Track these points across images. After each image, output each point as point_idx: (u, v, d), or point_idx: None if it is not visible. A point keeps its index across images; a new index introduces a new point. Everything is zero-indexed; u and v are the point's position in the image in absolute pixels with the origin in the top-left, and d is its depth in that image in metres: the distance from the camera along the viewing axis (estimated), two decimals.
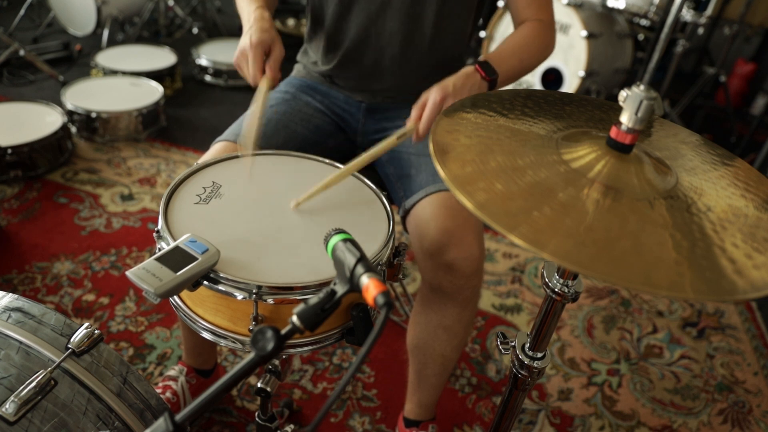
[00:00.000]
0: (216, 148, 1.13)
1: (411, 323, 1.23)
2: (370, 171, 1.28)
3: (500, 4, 3.06)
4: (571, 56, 2.94)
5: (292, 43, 1.09)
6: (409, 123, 1.00)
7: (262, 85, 1.03)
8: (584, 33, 2.84)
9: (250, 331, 0.81)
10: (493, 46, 2.94)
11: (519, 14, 1.21)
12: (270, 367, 0.88)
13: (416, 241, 1.09)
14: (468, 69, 1.05)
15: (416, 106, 1.01)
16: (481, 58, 1.09)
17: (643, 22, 3.04)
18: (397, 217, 1.07)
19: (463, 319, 1.14)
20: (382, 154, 0.99)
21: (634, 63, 3.25)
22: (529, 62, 1.16)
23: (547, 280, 0.79)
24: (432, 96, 0.99)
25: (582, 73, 2.88)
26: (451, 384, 1.55)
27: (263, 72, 1.03)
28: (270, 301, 0.77)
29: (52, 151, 2.19)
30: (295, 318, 0.60)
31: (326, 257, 0.67)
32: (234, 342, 0.83)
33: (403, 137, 0.99)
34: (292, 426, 1.09)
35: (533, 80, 3.12)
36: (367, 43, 1.20)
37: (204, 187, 0.94)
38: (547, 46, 1.20)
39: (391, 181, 1.21)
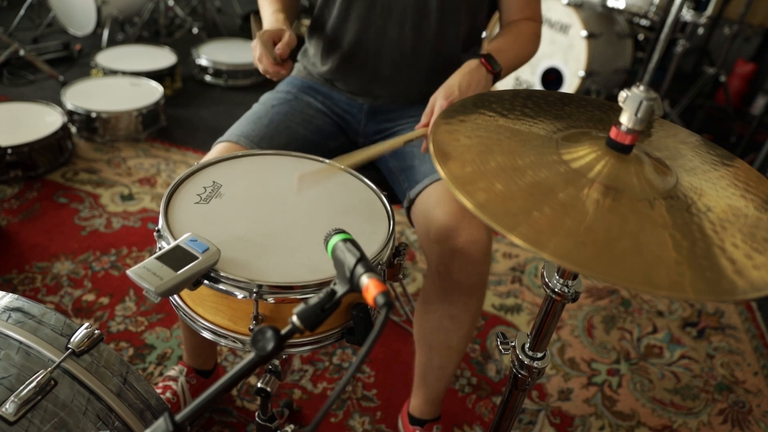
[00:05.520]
0: (217, 149, 1.13)
1: (417, 315, 1.22)
2: (371, 169, 1.28)
3: None
4: (571, 56, 2.94)
5: None
6: (418, 129, 1.02)
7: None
8: (584, 33, 2.84)
9: (250, 330, 0.81)
10: None
11: (512, 16, 1.23)
12: (270, 367, 0.89)
13: (423, 228, 1.08)
14: (473, 63, 1.06)
15: (425, 112, 1.02)
16: (484, 51, 1.10)
17: (643, 22, 3.04)
18: (398, 217, 1.07)
19: (470, 308, 1.12)
20: (385, 153, 0.99)
21: (634, 63, 3.25)
22: (523, 58, 1.19)
23: (547, 280, 0.79)
24: (438, 103, 1.00)
25: (582, 73, 2.88)
26: (451, 384, 1.55)
27: (274, 62, 1.04)
28: (270, 300, 0.78)
29: (52, 151, 2.19)
30: (295, 318, 0.60)
31: (326, 257, 0.67)
32: (234, 341, 0.83)
33: (410, 142, 1.00)
34: (292, 426, 1.08)
35: (533, 80, 3.12)
36: (365, 48, 1.20)
37: (204, 187, 0.94)
38: (537, 45, 1.24)
39: (394, 174, 1.21)
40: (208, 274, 0.77)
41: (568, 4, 2.89)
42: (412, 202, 1.13)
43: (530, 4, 1.22)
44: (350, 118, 1.30)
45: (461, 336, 1.17)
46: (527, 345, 0.85)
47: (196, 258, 0.75)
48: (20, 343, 0.79)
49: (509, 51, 1.13)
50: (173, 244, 0.77)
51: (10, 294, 0.87)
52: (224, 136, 1.16)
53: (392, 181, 1.23)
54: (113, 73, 2.75)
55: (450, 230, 1.02)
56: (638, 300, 1.95)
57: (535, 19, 1.23)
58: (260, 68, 1.06)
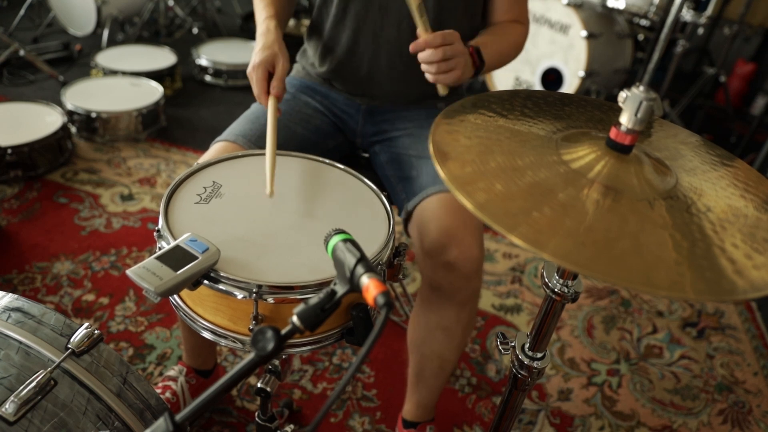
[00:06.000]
0: (216, 148, 1.13)
1: (411, 323, 1.23)
2: (370, 172, 1.28)
3: None
4: (571, 56, 2.94)
5: (291, 43, 1.10)
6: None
7: (270, 105, 1.05)
8: (584, 33, 2.83)
9: (250, 330, 0.81)
10: None
11: (500, 17, 1.23)
12: (270, 367, 0.89)
13: (417, 241, 1.09)
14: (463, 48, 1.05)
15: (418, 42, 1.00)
16: (473, 43, 1.10)
17: (643, 22, 3.04)
18: (398, 218, 1.07)
19: (461, 320, 1.14)
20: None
21: (634, 63, 3.25)
22: (506, 57, 1.20)
23: (546, 280, 0.79)
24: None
25: (582, 74, 2.88)
26: (451, 384, 1.55)
27: (267, 92, 1.06)
28: (270, 300, 0.78)
29: (52, 151, 2.19)
30: (295, 318, 0.60)
31: (326, 257, 0.67)
32: (234, 342, 0.83)
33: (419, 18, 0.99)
34: (292, 426, 1.09)
35: (533, 80, 3.12)
36: (362, 48, 1.20)
37: (204, 187, 0.94)
38: (521, 47, 1.24)
39: (392, 182, 1.21)
40: (208, 274, 0.77)
41: (568, 4, 2.89)
42: (409, 214, 1.13)
43: (517, 5, 1.22)
44: (348, 118, 1.30)
45: (453, 348, 1.17)
46: (527, 345, 0.85)
47: (196, 258, 0.75)
48: (20, 343, 0.79)
49: (493, 46, 1.13)
50: (173, 244, 0.77)
51: (10, 294, 0.87)
52: (222, 136, 1.16)
53: (390, 188, 1.22)
54: (113, 73, 2.75)
55: (442, 245, 1.03)
56: (638, 300, 1.95)
57: (521, 21, 1.24)
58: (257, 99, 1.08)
